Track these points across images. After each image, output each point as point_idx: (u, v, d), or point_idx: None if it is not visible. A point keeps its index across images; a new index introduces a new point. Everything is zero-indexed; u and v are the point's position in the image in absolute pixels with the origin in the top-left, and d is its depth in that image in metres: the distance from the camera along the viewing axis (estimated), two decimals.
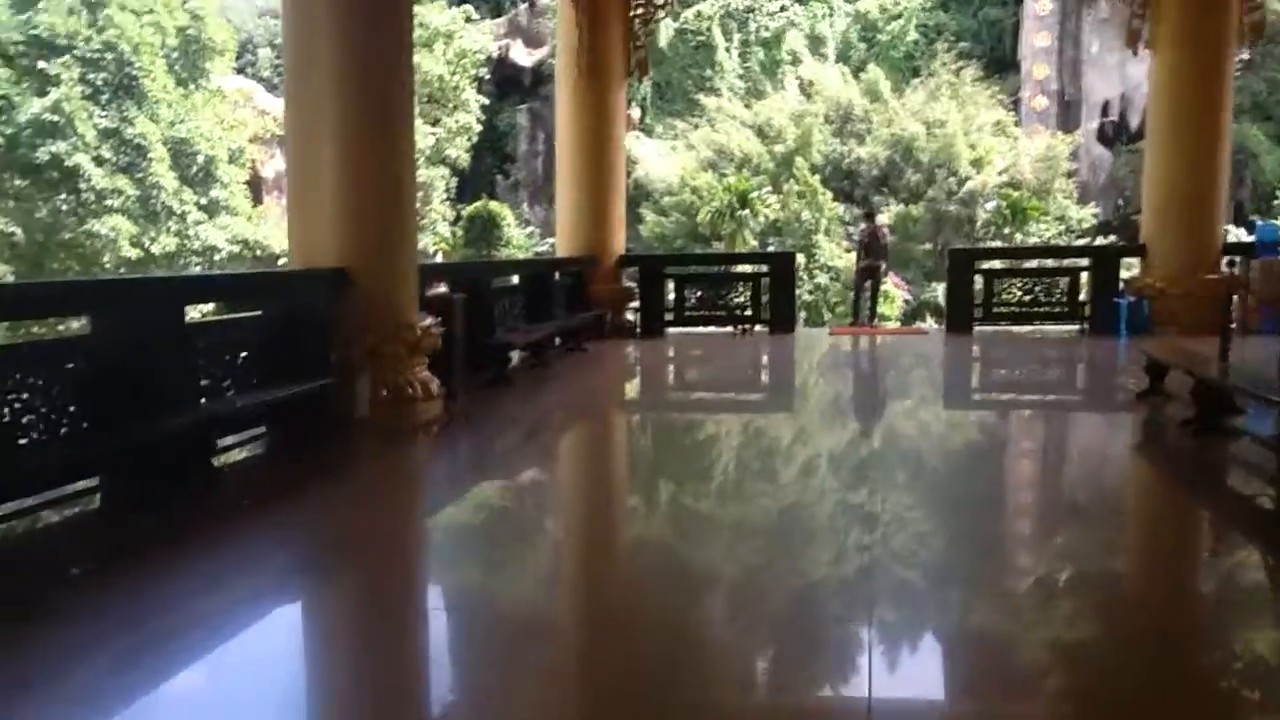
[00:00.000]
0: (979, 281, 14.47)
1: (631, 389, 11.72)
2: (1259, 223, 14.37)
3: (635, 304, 15.31)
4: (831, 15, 44.76)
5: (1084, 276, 14.30)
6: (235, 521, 5.75)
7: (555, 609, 4.53)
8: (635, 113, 42.25)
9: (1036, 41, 38.68)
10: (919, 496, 6.13)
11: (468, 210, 31.72)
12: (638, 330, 15.12)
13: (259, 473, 7.21)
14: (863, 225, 18.31)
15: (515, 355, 11.81)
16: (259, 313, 7.99)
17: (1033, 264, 16.24)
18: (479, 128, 41.33)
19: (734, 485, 6.67)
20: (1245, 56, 38.28)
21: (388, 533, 5.72)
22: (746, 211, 30.09)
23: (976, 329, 14.25)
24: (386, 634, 4.16)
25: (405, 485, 7.07)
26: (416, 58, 39.42)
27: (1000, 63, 40.34)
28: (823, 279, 30.74)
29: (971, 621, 4.02)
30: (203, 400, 6.90)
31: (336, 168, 8.38)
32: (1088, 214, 33.88)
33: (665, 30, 42.18)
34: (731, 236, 30.18)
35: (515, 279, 13.26)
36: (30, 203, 25.54)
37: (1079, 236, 33.11)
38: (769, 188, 32.70)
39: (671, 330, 15.15)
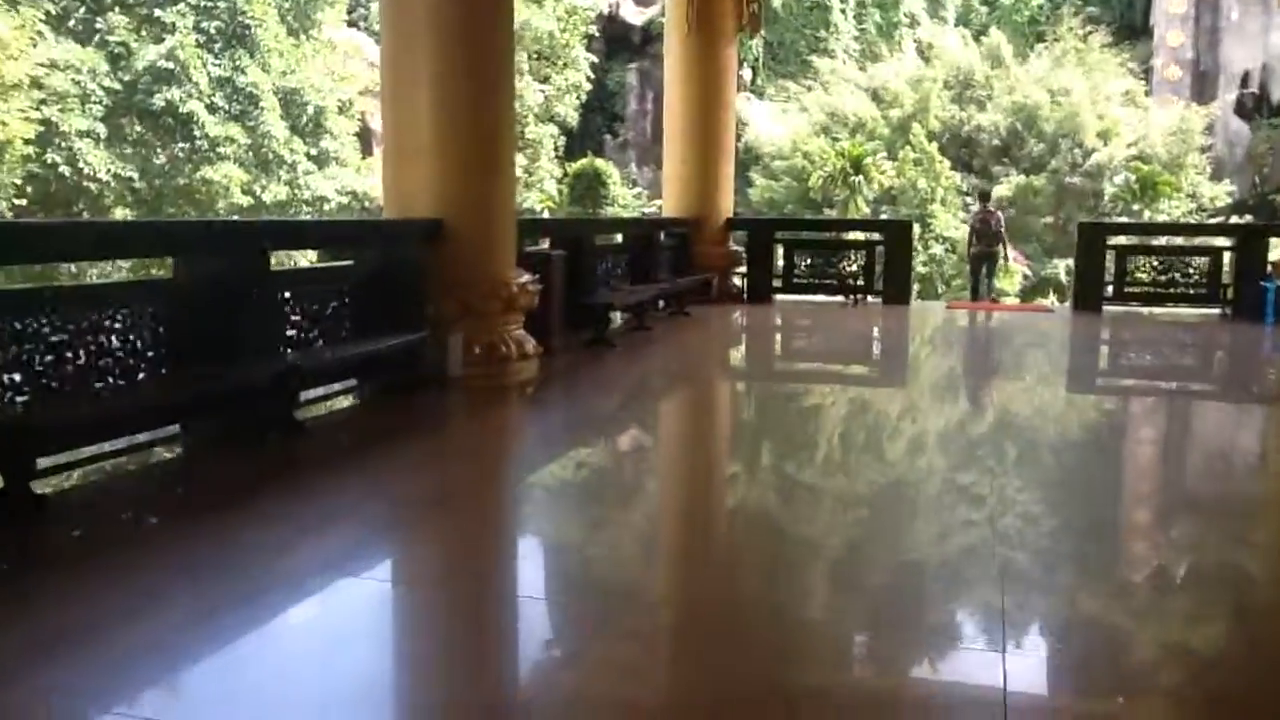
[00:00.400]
0: (1110, 258, 13.50)
1: (735, 356, 11.18)
2: None
3: (742, 269, 14.72)
4: None
5: (1226, 257, 13.24)
6: (316, 474, 5.43)
7: (646, 577, 4.12)
8: (746, 74, 41.35)
9: (1171, 7, 36.66)
10: (1034, 485, 5.48)
11: (573, 167, 31.31)
12: (744, 296, 14.54)
13: (344, 427, 6.88)
14: (976, 208, 17.46)
15: (617, 317, 11.38)
16: (350, 263, 7.65)
17: (1164, 241, 15.21)
18: (588, 86, 40.92)
19: (837, 462, 6.11)
20: None
21: (474, 491, 5.36)
22: (860, 178, 29.12)
23: (1106, 308, 13.33)
24: (471, 596, 3.81)
25: (494, 445, 6.66)
26: (526, 14, 39.30)
27: (1131, 29, 38.43)
28: (938, 250, 29.71)
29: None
30: (288, 350, 6.57)
31: (433, 115, 7.95)
32: (1221, 192, 32.14)
33: None
34: (844, 203, 29.26)
35: (619, 238, 12.77)
36: (148, 148, 25.86)
37: (1212, 215, 31.39)
38: (884, 154, 31.62)
39: (779, 297, 14.53)
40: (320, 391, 7.12)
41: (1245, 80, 36.02)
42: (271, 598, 3.71)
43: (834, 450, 6.49)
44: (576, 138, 41.93)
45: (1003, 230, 16.09)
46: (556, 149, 40.84)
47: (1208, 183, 32.13)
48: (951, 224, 31.60)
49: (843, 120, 35.28)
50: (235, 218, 22.65)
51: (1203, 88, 36.15)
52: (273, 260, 6.54)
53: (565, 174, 34.81)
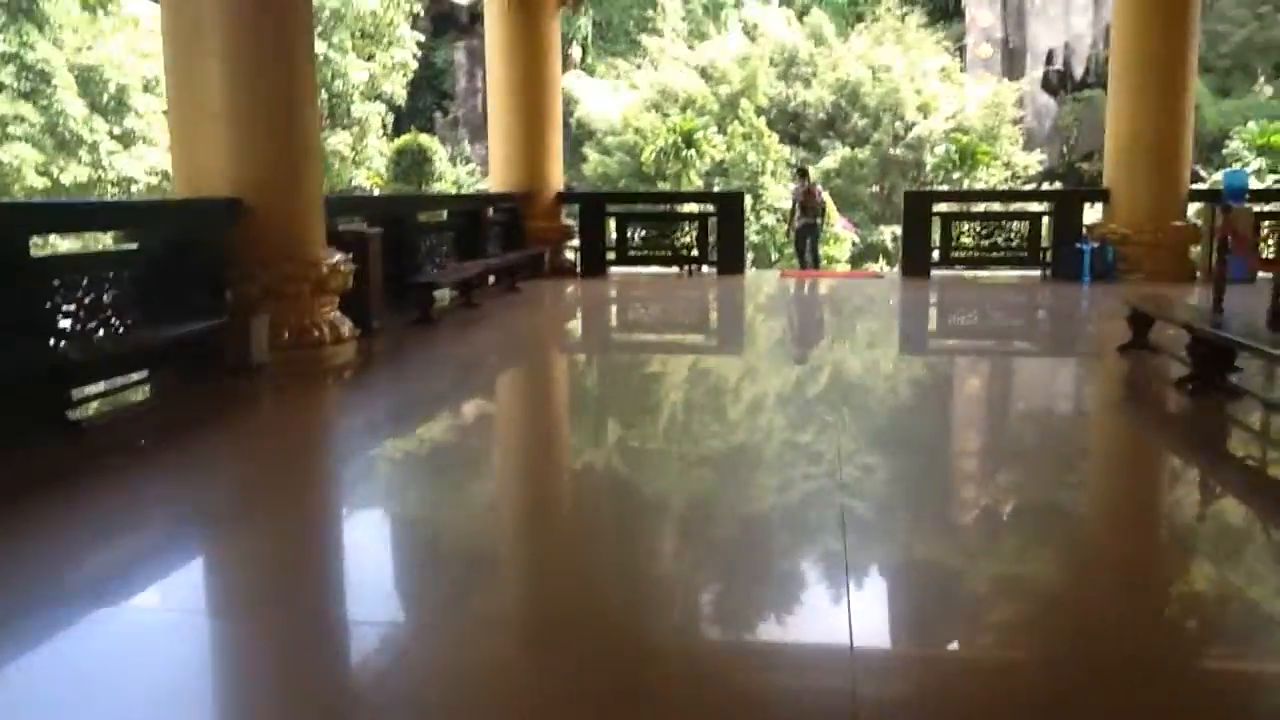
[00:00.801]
0: (936, 226, 13.53)
1: (567, 330, 10.65)
2: (1226, 170, 13.47)
3: (576, 242, 14.23)
4: None
5: (1044, 221, 13.43)
6: (89, 480, 4.69)
7: (485, 581, 3.56)
8: (576, 52, 40.85)
9: None
10: (872, 447, 5.19)
11: (396, 143, 30.21)
12: (578, 270, 14.05)
13: (130, 423, 6.09)
14: (796, 185, 17.51)
15: (445, 295, 10.76)
16: (134, 246, 6.83)
17: (985, 208, 15.41)
18: (415, 64, 39.72)
19: (679, 432, 5.68)
20: None
21: (278, 492, 4.68)
22: (692, 152, 29.02)
23: (934, 273, 13.37)
24: (273, 624, 3.16)
25: (301, 437, 5.98)
26: None
27: (944, 10, 39.41)
28: (770, 220, 29.85)
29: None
30: (59, 342, 5.76)
31: (225, 85, 7.20)
32: (1033, 161, 33.26)
33: None
34: (677, 176, 29.13)
35: (444, 215, 12.10)
36: None
37: (1025, 183, 32.50)
38: (714, 129, 31.60)
39: (614, 270, 14.10)
40: (104, 386, 6.31)
41: (1050, 58, 37.39)
42: (17, 630, 3.05)
43: (675, 420, 6.07)
44: (406, 116, 40.68)
45: (822, 202, 16.16)
46: (385, 127, 39.52)
47: (1021, 152, 33.20)
48: (782, 195, 31.77)
49: (673, 97, 35.11)
50: None
51: (1012, 65, 37.35)
52: (47, 246, 5.72)
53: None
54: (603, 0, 40.65)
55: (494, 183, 13.93)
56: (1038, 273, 13.37)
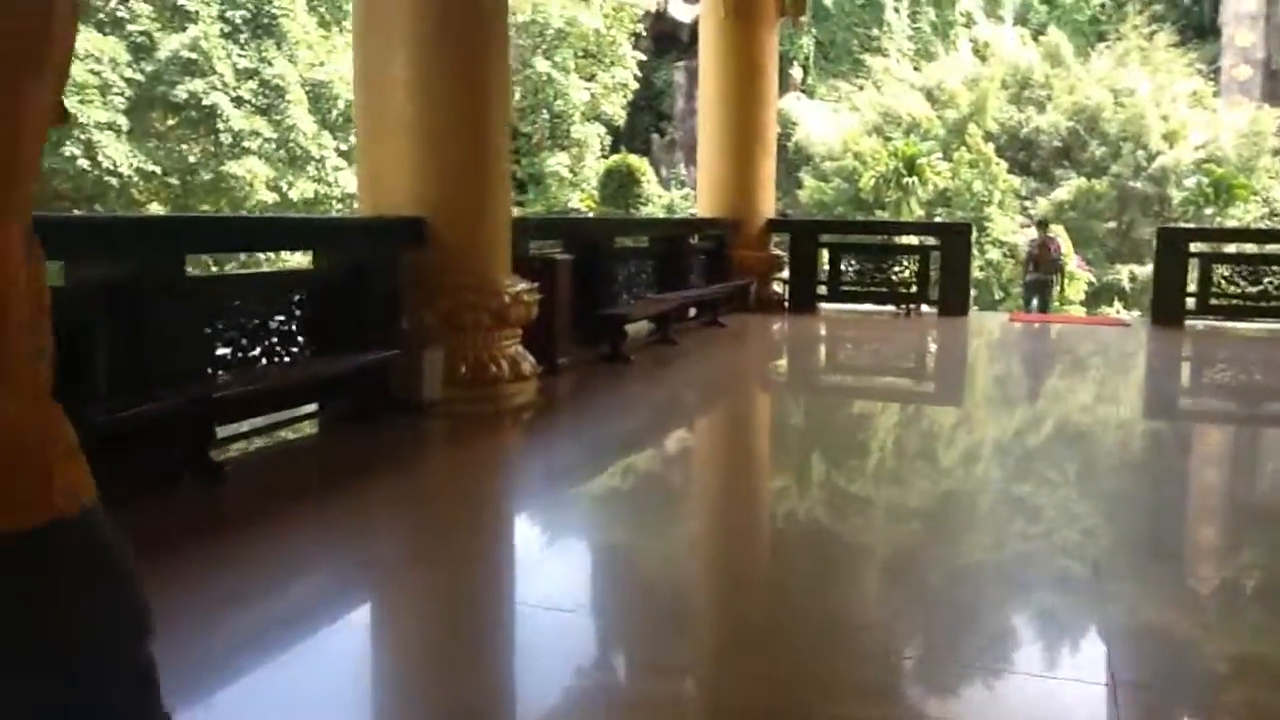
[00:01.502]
0: (1192, 267, 11.91)
1: (769, 377, 9.69)
2: None
3: (784, 274, 13.30)
4: None
5: None
6: (237, 530, 4.17)
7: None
8: (797, 73, 39.93)
9: (1240, 5, 34.62)
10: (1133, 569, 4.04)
11: (605, 165, 29.90)
12: (786, 304, 13.10)
13: (287, 464, 5.58)
14: (1033, 235, 16.02)
15: (641, 328, 10.06)
16: (309, 268, 6.37)
17: (1253, 249, 13.57)
18: (635, 85, 39.71)
19: (886, 531, 4.70)
20: None
21: (449, 546, 4.07)
22: (914, 179, 27.59)
23: (1188, 323, 11.74)
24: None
25: (474, 485, 5.32)
26: (573, 11, 38.18)
27: (1198, 28, 36.47)
28: (995, 255, 28.08)
29: None
30: (215, 372, 5.29)
31: (412, 94, 6.65)
32: None
33: None
34: (896, 205, 27.77)
35: (645, 241, 11.40)
36: (171, 142, 24.85)
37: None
38: (938, 155, 30.03)
39: (825, 306, 13.07)
40: (263, 421, 5.84)
41: None
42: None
43: (886, 502, 5.09)
44: (624, 137, 40.73)
45: (1060, 258, 14.67)
46: (603, 148, 39.67)
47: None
48: (1009, 228, 30.01)
49: (896, 120, 33.75)
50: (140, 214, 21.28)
51: (1274, 88, 34.10)
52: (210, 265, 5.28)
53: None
54: (827, 17, 39.59)
55: (701, 207, 13.18)
56: None
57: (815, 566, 4.06)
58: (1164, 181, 30.09)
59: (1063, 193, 30.83)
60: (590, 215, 22.76)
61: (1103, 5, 38.29)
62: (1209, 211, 25.61)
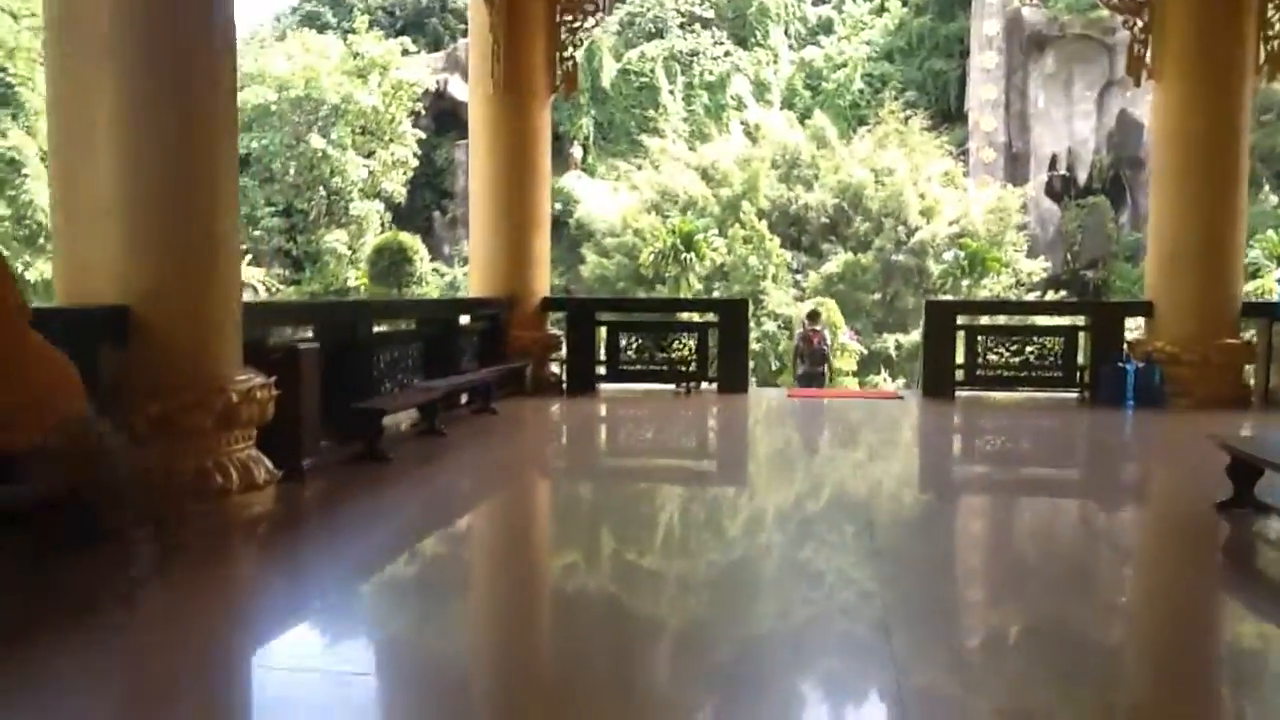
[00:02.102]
0: (959, 337, 11.99)
1: (547, 466, 8.94)
2: None
3: (562, 354, 12.68)
4: (776, 62, 43.09)
5: (1080, 337, 11.86)
6: None
7: None
8: (577, 151, 40.09)
9: (983, 94, 36.99)
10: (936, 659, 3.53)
11: (374, 243, 28.74)
12: (564, 385, 12.47)
13: None
14: (802, 325, 16.06)
15: (405, 418, 9.18)
16: None
17: (1015, 320, 13.90)
18: (416, 162, 38.89)
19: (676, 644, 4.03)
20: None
21: None
22: (691, 255, 27.79)
23: (958, 393, 11.77)
24: None
25: (180, 630, 4.29)
26: (349, 88, 37.14)
27: (947, 114, 38.73)
28: (771, 326, 28.48)
29: None
30: None
31: (119, 168, 5.70)
32: (1038, 268, 32.07)
33: (608, 70, 40.18)
34: (675, 280, 27.88)
35: (411, 324, 10.55)
36: None
37: (1029, 290, 31.27)
38: (714, 231, 30.45)
39: (604, 386, 12.50)
40: None
41: (1053, 163, 36.47)
42: None
43: (677, 630, 4.41)
44: (405, 214, 39.72)
45: (827, 349, 14.69)
46: (384, 225, 38.55)
47: (1026, 259, 32.03)
48: (784, 300, 30.63)
49: (673, 198, 34.15)
50: None
51: (1015, 170, 36.43)
52: None
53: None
54: (605, 99, 39.98)
55: (473, 286, 12.45)
56: (1074, 395, 11.78)
57: (605, 642, 3.34)
58: (923, 254, 31.44)
59: (832, 266, 31.75)
60: (345, 300, 21.57)
61: (861, 91, 40.13)
62: (965, 283, 26.77)
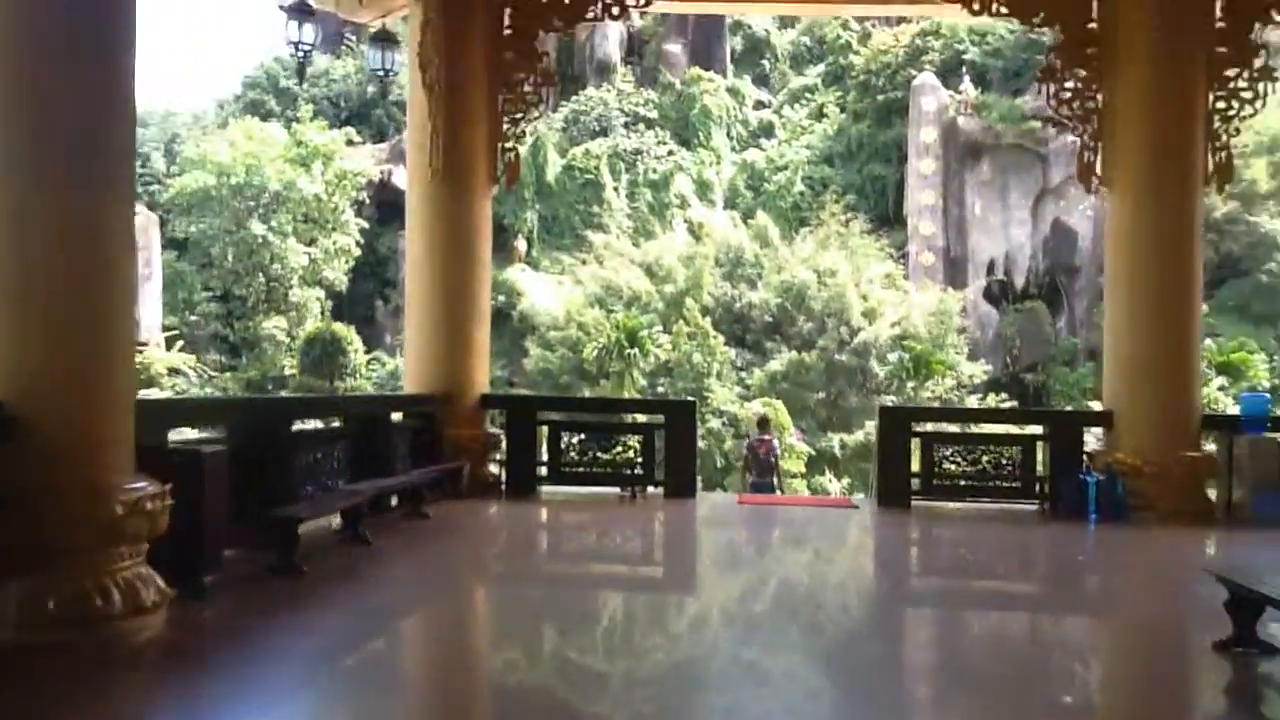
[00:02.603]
0: (914, 445, 11.48)
1: (478, 585, 8.09)
2: (1244, 393, 11.65)
3: (501, 454, 11.92)
4: (719, 163, 43.39)
5: (1039, 446, 11.40)
6: None
7: None
8: (521, 244, 39.73)
9: (921, 199, 37.40)
10: None
11: (305, 333, 27.76)
12: (503, 486, 11.69)
13: None
14: (749, 436, 15.54)
15: (330, 523, 8.36)
16: None
17: (972, 428, 13.45)
18: (358, 251, 38.30)
19: None
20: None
21: None
22: (635, 350, 27.30)
23: (914, 503, 11.19)
24: None
25: None
26: (291, 175, 36.60)
27: (886, 218, 39.07)
28: (715, 424, 27.95)
29: None
30: None
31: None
32: (978, 370, 32.04)
33: (553, 165, 40.11)
34: (619, 376, 27.33)
35: (338, 421, 9.79)
36: None
37: (970, 393, 31.16)
38: (659, 327, 30.08)
39: (546, 489, 11.73)
40: None
41: (991, 268, 36.78)
42: None
43: None
44: (347, 302, 38.98)
45: (776, 458, 14.14)
46: (324, 312, 37.74)
47: (967, 362, 32.01)
48: (728, 397, 30.22)
49: (617, 293, 33.83)
50: None
51: (954, 273, 36.67)
52: None
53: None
54: (550, 194, 39.82)
55: (408, 382, 11.72)
56: (1034, 506, 11.25)
57: None
58: (866, 355, 31.32)
59: (776, 365, 31.48)
60: (262, 396, 20.59)
61: (802, 193, 40.40)
62: (910, 385, 26.54)
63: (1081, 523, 10.50)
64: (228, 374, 35.64)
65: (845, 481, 26.32)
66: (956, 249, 36.99)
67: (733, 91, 44.60)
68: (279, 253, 36.53)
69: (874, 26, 44.27)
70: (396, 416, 10.76)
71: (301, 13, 11.86)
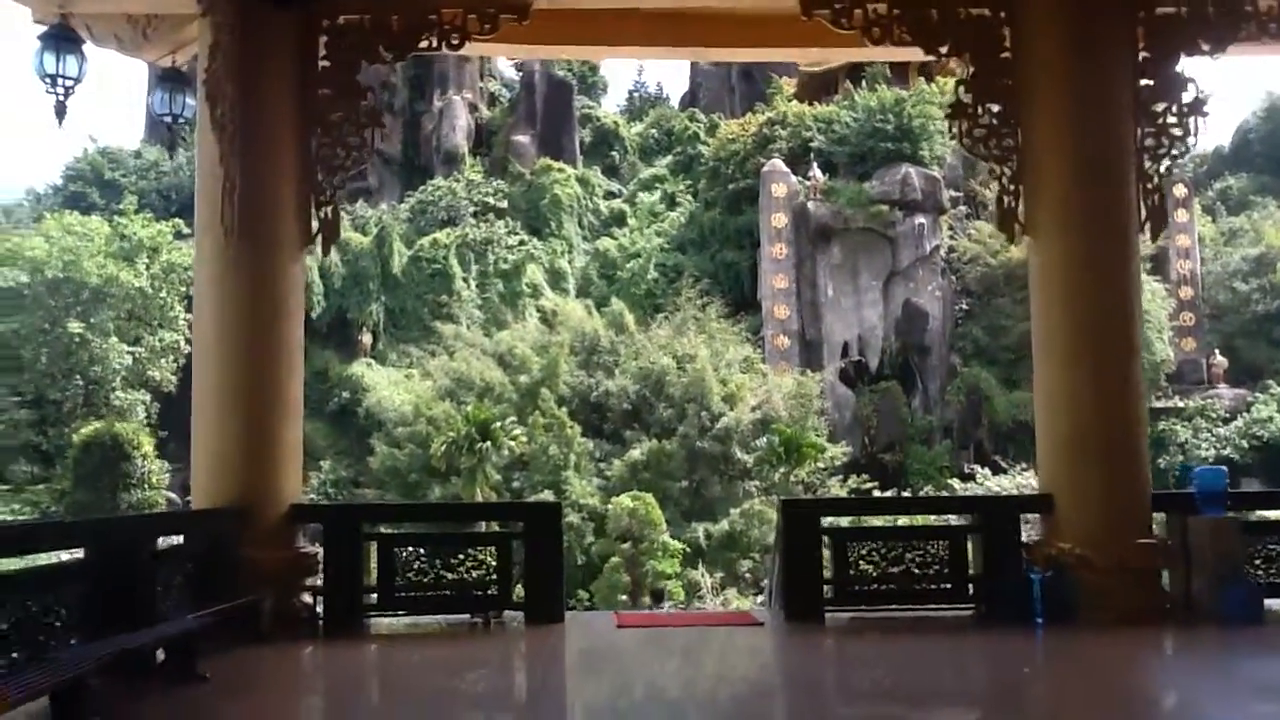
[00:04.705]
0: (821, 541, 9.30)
1: None
2: (1200, 468, 9.86)
3: (318, 580, 9.16)
4: (571, 252, 41.67)
5: (969, 539, 9.35)
6: None
7: None
8: (367, 339, 36.85)
9: (775, 283, 36.23)
10: None
11: (79, 437, 23.83)
12: (321, 622, 8.92)
13: None
14: None
15: (44, 705, 5.56)
16: None
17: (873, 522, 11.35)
18: (189, 348, 34.56)
19: None
20: (965, 306, 37.27)
21: None
22: (488, 444, 24.68)
23: (829, 615, 8.94)
24: None
25: None
26: (114, 270, 32.93)
27: (741, 302, 37.87)
28: (575, 519, 25.46)
29: None
30: None
31: None
32: (838, 451, 30.50)
33: (398, 256, 37.53)
34: (471, 471, 24.60)
35: (80, 551, 6.96)
36: None
37: (831, 475, 29.54)
38: (513, 419, 27.60)
39: (377, 620, 9.03)
40: None
41: (845, 350, 35.72)
42: None
43: None
44: (175, 405, 35.06)
45: None
46: (150, 416, 33.85)
47: (828, 444, 30.48)
48: (587, 490, 27.85)
49: (469, 385, 31.33)
50: None
51: (810, 356, 35.47)
52: None
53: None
54: (396, 285, 37.17)
55: (196, 494, 8.93)
56: (968, 611, 9.14)
57: None
58: (728, 441, 29.56)
59: (636, 454, 29.39)
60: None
61: (656, 280, 38.90)
62: (782, 470, 24.71)
63: (1026, 629, 8.46)
64: (41, 485, 31.34)
65: (718, 576, 24.09)
66: (811, 331, 35.83)
67: (583, 181, 43.13)
68: (99, 353, 32.67)
69: (720, 118, 43.73)
70: (173, 541, 8.01)
71: (62, 40, 9.23)
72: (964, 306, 36.47)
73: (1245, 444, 31.69)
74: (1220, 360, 35.77)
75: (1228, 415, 33.21)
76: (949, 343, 35.60)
